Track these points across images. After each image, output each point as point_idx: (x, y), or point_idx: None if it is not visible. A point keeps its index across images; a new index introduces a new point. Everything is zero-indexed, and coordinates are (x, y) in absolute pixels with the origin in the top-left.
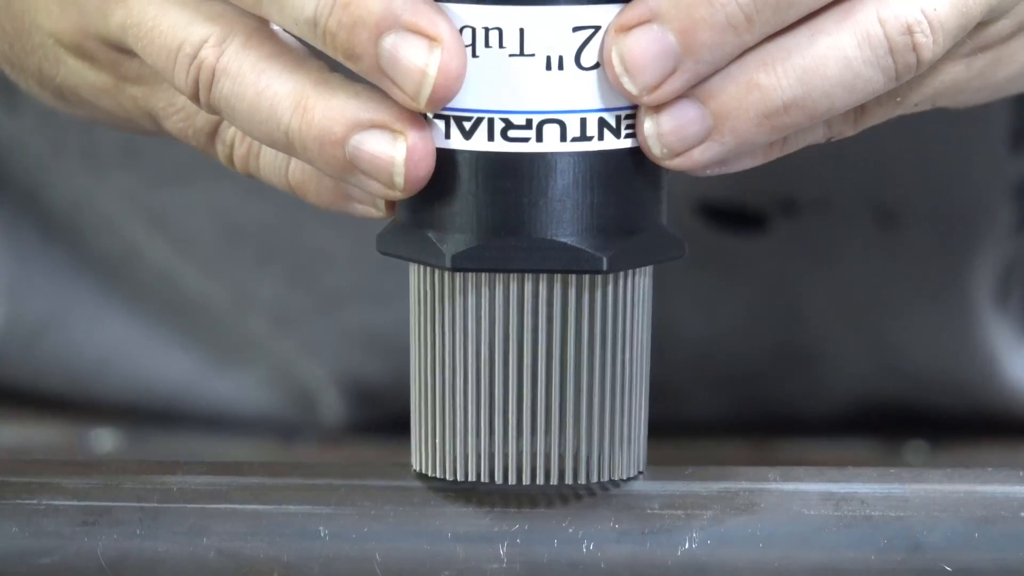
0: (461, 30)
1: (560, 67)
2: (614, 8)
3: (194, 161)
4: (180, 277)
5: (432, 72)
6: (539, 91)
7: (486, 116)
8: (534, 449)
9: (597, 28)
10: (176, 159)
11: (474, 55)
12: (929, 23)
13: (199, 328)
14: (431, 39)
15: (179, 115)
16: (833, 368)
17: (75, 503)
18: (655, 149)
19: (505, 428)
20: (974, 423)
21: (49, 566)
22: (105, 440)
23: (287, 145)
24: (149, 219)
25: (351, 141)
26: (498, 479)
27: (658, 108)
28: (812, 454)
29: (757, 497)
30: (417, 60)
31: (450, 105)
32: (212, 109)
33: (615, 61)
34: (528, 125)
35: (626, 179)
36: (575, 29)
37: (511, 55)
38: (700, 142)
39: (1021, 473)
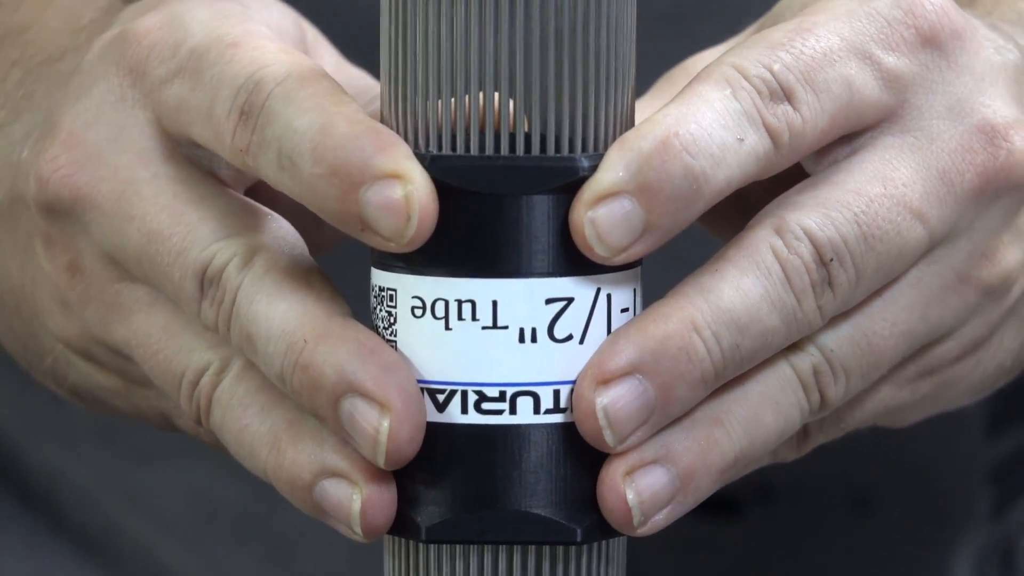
0: (434, 303)
1: (533, 339)
2: (587, 282)
3: (170, 440)
4: (157, 551)
5: (383, 440)
6: (512, 363)
7: (459, 388)
8: None
9: (570, 300)
10: (151, 438)
11: (447, 328)
12: (830, 366)
13: None
14: (381, 405)
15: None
16: None
17: None
18: (636, 519)
19: None
20: None
21: None
22: None
23: (268, 482)
24: (125, 495)
25: (316, 488)
26: None
27: (632, 474)
28: None
29: None
30: (370, 426)
31: (424, 377)
32: (211, 436)
33: (600, 415)
34: (502, 397)
35: (599, 450)
36: (548, 301)
37: (484, 328)
38: (667, 506)
39: None
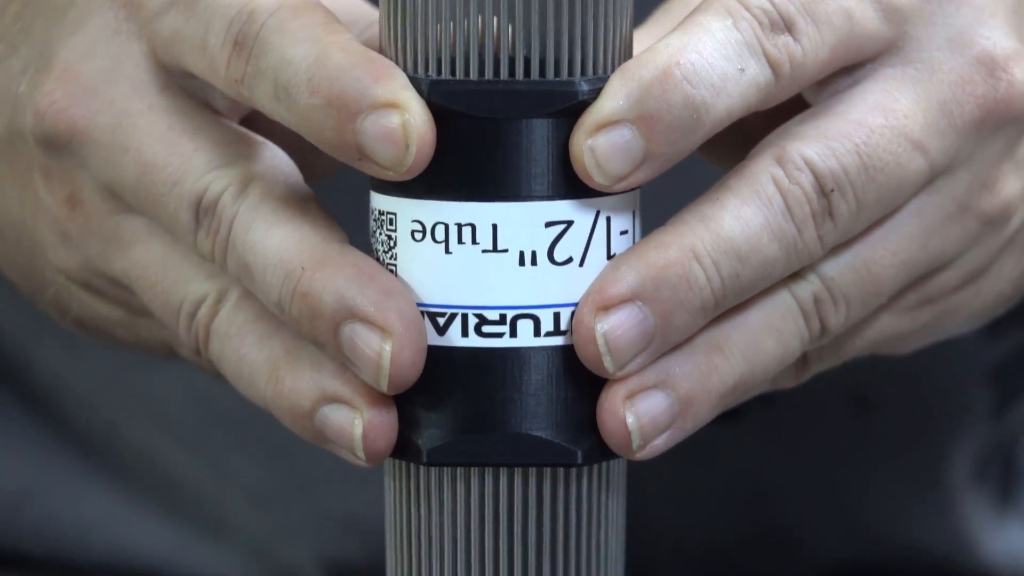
0: (434, 227)
1: (533, 262)
2: (586, 206)
3: None
4: (159, 454)
5: (385, 364)
6: (512, 286)
7: (460, 312)
8: None
9: (570, 223)
10: None
11: (447, 251)
12: (831, 294)
13: (178, 503)
14: (382, 330)
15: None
16: (808, 548)
17: None
18: (635, 443)
19: None
20: None
21: None
22: None
23: (268, 410)
24: (127, 399)
25: (317, 414)
26: None
27: (632, 398)
28: None
29: None
30: (371, 351)
31: (424, 301)
32: (210, 365)
33: (600, 342)
34: (502, 320)
35: (599, 376)
36: (547, 224)
37: (484, 251)
38: (666, 431)
39: None
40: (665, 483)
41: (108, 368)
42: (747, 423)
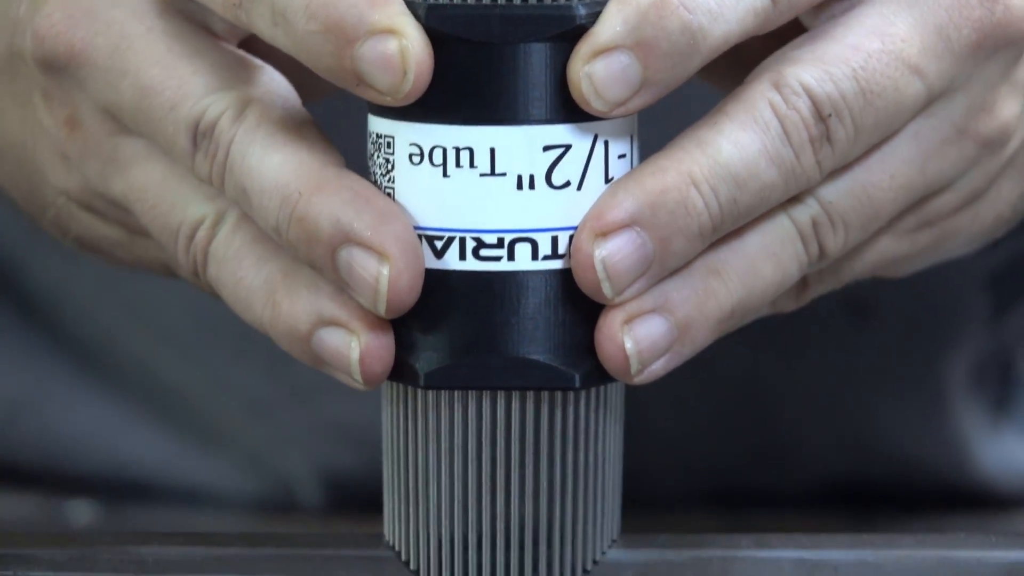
0: (432, 150)
1: (531, 186)
2: (584, 129)
3: None
4: (156, 363)
5: (383, 288)
6: (510, 210)
7: (457, 235)
8: (508, 557)
9: (568, 147)
10: None
11: (445, 175)
12: (829, 218)
13: (175, 411)
14: (380, 254)
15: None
16: (804, 454)
17: (51, 574)
18: (634, 367)
19: (479, 540)
20: (945, 503)
21: None
22: (82, 512)
23: (266, 334)
24: (126, 309)
25: (314, 337)
26: None
27: (630, 323)
28: (784, 524)
29: (730, 565)
30: (369, 275)
31: (422, 224)
32: (208, 287)
33: (598, 267)
34: (500, 244)
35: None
36: (545, 148)
37: (482, 175)
38: (664, 355)
39: (993, 539)
40: (663, 396)
41: (107, 278)
42: (745, 335)
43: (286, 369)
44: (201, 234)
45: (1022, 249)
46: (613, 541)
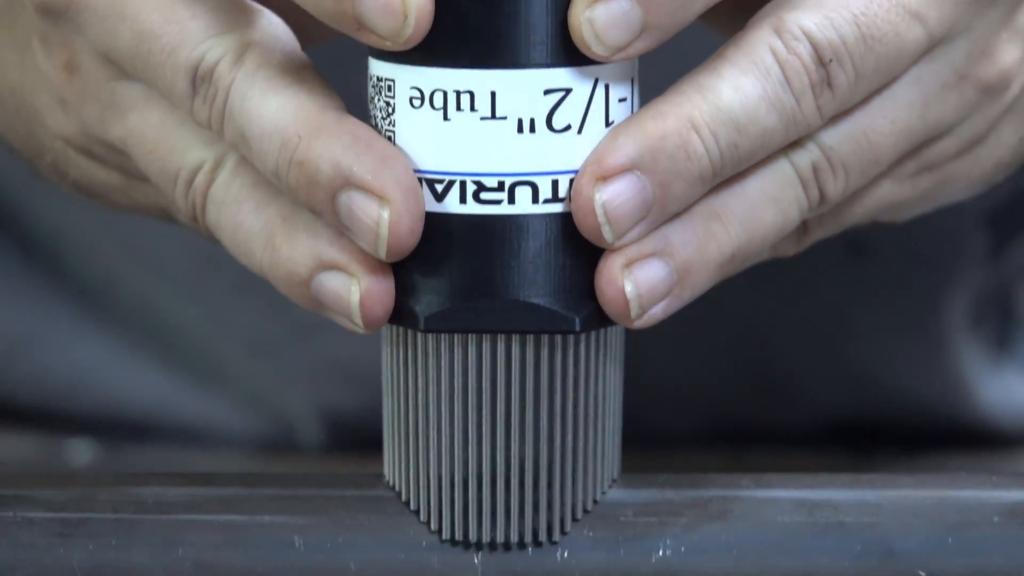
0: (432, 94)
1: (532, 130)
2: (585, 73)
3: None
4: (157, 301)
5: (383, 231)
6: (511, 153)
7: (458, 178)
8: (508, 498)
9: (568, 91)
10: None
11: (446, 118)
12: (830, 163)
13: (175, 350)
14: (380, 197)
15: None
16: (804, 393)
17: (50, 515)
18: (634, 311)
19: (479, 480)
20: (946, 442)
21: None
22: (81, 452)
23: (265, 278)
24: (126, 246)
25: (314, 282)
26: (472, 534)
27: (630, 266)
28: (784, 463)
29: (730, 504)
30: (369, 219)
31: (423, 167)
32: (207, 232)
33: (599, 211)
34: (500, 187)
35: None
36: (546, 92)
37: (483, 118)
38: (664, 299)
39: (994, 478)
40: (662, 336)
41: (107, 217)
42: (744, 274)
43: (286, 308)
44: (200, 179)
45: (1021, 187)
46: (613, 481)
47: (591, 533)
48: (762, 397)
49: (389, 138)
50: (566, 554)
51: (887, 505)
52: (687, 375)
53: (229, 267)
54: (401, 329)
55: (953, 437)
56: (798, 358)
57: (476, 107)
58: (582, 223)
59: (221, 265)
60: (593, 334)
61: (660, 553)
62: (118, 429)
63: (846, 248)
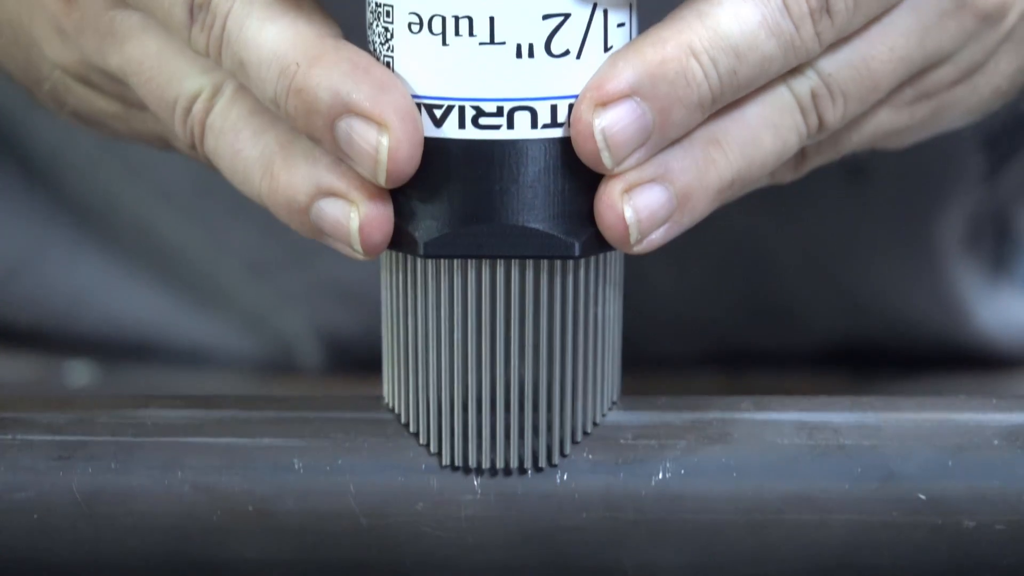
0: (431, 19)
1: (530, 55)
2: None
3: None
4: (155, 223)
5: (382, 157)
6: (510, 79)
7: (457, 104)
8: (508, 420)
9: (567, 15)
10: None
11: (444, 43)
12: (829, 90)
13: (174, 271)
14: (379, 124)
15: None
16: (803, 315)
17: (49, 438)
18: (633, 236)
19: (479, 403)
20: (944, 363)
21: (23, 501)
22: (80, 373)
23: (264, 206)
24: (125, 168)
25: (313, 208)
26: (472, 458)
27: (630, 192)
28: (782, 386)
29: (730, 427)
30: (368, 145)
31: (421, 93)
32: (206, 159)
33: (598, 137)
34: (499, 112)
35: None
36: (545, 17)
37: (481, 43)
38: (664, 224)
39: (994, 401)
40: (661, 259)
41: (106, 140)
42: (742, 197)
43: (286, 230)
44: (198, 106)
45: (1018, 109)
46: (613, 403)
47: (590, 456)
48: (761, 320)
49: (387, 64)
50: (565, 476)
51: (887, 428)
52: (686, 299)
53: (227, 189)
54: (400, 254)
55: (951, 358)
56: (796, 281)
57: (475, 32)
58: (581, 148)
59: (219, 187)
60: (592, 259)
61: (660, 476)
62: (117, 350)
63: (844, 172)
